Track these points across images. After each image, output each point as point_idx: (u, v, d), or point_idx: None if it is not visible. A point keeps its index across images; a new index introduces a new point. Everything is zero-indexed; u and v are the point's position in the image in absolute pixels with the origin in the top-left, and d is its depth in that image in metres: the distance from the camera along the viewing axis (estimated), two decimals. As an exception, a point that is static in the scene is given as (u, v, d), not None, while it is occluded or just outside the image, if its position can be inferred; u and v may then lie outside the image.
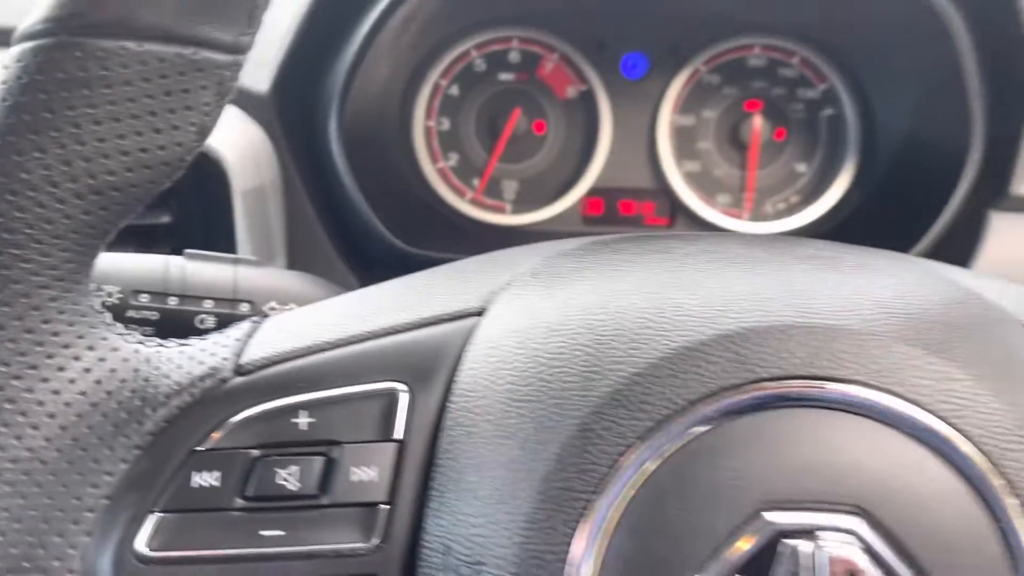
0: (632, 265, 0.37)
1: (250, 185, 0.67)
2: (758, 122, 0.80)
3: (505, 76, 0.81)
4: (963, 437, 0.30)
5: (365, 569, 0.33)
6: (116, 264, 0.47)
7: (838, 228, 0.77)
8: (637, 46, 0.80)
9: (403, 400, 0.34)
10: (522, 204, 0.82)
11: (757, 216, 0.80)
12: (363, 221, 0.70)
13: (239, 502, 0.33)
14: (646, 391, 0.31)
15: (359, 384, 0.35)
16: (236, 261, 0.49)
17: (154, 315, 0.46)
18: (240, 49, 0.33)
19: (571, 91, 0.82)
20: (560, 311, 0.35)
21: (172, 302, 0.47)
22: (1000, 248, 0.68)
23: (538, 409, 0.32)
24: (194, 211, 0.67)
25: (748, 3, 0.75)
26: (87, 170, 0.31)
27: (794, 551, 0.29)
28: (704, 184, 0.81)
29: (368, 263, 0.75)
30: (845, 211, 0.78)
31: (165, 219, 0.67)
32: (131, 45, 0.31)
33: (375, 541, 0.33)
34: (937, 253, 0.69)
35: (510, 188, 0.82)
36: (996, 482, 0.30)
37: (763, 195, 0.81)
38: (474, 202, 0.82)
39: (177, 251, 0.51)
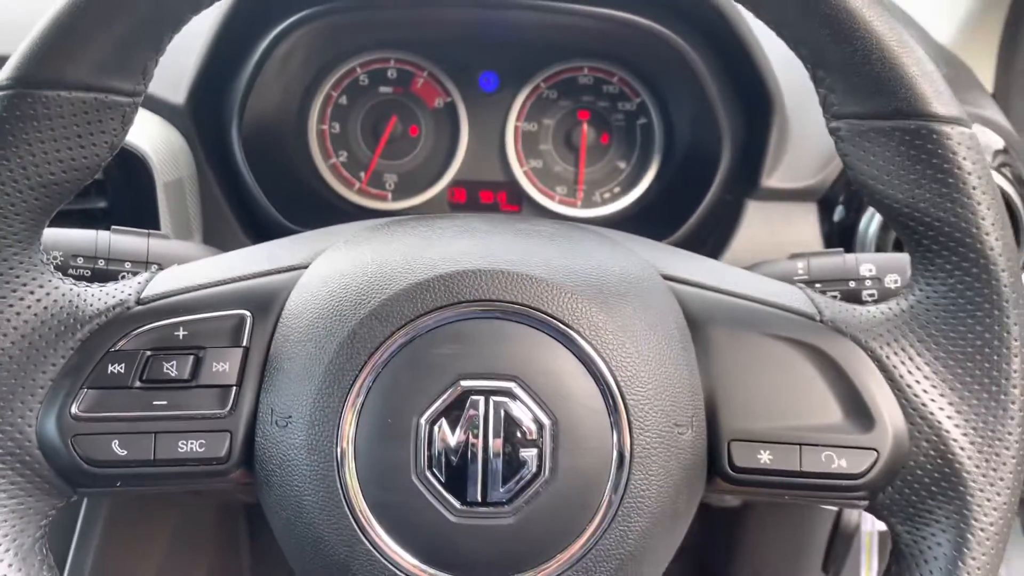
0: (404, 235, 0.54)
1: (170, 178, 0.80)
2: (587, 128, 0.94)
3: (385, 89, 0.93)
4: (579, 334, 0.47)
5: (222, 427, 0.49)
6: (60, 236, 0.62)
7: (643, 212, 0.93)
8: (490, 66, 0.93)
9: (248, 321, 0.51)
10: (400, 193, 0.95)
11: (587, 204, 0.95)
12: (261, 208, 0.84)
13: (138, 383, 0.49)
14: (391, 310, 0.48)
15: (219, 311, 0.51)
16: (149, 235, 0.65)
17: (88, 272, 0.62)
18: (137, 93, 0.48)
19: (438, 102, 0.94)
20: (349, 263, 0.51)
21: (101, 264, 0.62)
22: (754, 226, 0.85)
23: (327, 322, 0.49)
24: (126, 198, 0.80)
25: (576, 35, 0.89)
26: (36, 172, 0.46)
27: (474, 402, 0.46)
28: (545, 178, 0.95)
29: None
30: (649, 199, 0.93)
31: (102, 204, 0.81)
32: (63, 93, 0.45)
33: (228, 409, 0.49)
34: (706, 231, 0.86)
35: (390, 180, 0.95)
36: (599, 360, 0.47)
37: (592, 187, 0.95)
38: (361, 192, 0.95)
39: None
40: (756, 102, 0.84)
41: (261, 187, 0.84)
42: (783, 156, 0.85)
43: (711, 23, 0.83)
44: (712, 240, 0.87)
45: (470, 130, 0.95)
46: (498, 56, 0.93)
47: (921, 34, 0.98)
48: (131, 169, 0.78)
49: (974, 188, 0.47)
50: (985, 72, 0.99)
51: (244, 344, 0.50)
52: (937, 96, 0.47)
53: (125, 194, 0.81)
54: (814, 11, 0.46)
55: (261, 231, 0.88)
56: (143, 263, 0.64)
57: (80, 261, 0.62)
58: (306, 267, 0.53)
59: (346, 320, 0.48)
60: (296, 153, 0.93)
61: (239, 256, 0.56)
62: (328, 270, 0.52)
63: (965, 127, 0.48)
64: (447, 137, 0.95)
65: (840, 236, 0.84)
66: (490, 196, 0.96)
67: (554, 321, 0.48)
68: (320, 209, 0.93)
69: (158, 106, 0.83)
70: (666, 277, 0.54)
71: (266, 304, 0.51)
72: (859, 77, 0.47)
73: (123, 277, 0.62)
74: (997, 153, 0.83)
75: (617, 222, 0.93)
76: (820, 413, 0.50)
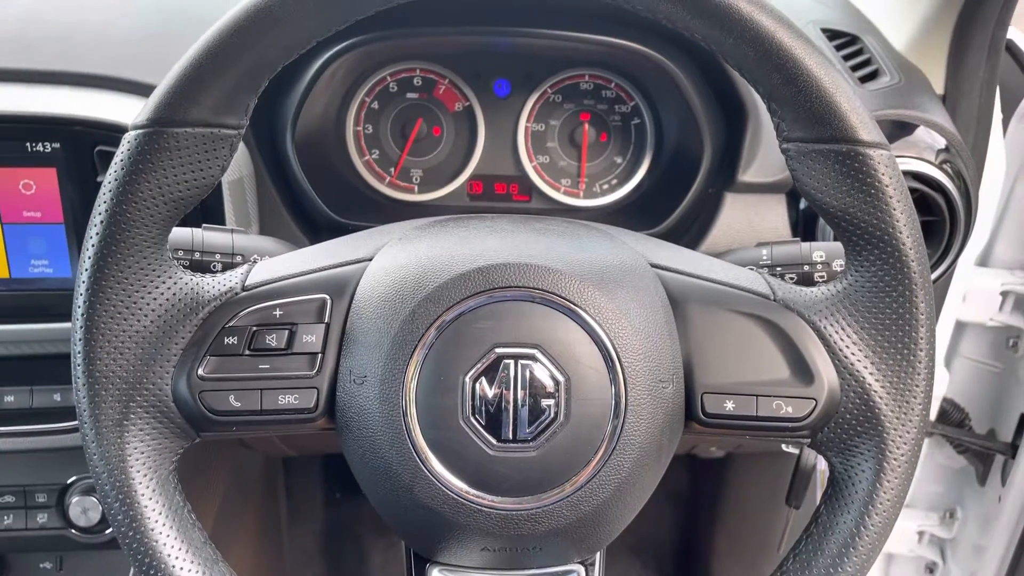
0: (447, 234, 0.66)
1: (233, 177, 0.90)
2: (588, 128, 1.03)
3: (411, 95, 1.03)
4: (586, 312, 0.60)
5: (310, 384, 0.61)
6: (163, 234, 0.76)
7: (637, 201, 1.04)
8: (503, 75, 1.02)
9: (328, 303, 0.63)
10: (425, 186, 1.04)
11: (589, 194, 1.05)
12: (311, 201, 0.96)
13: (247, 352, 0.61)
14: (441, 294, 0.60)
15: (306, 295, 0.63)
16: (232, 231, 0.78)
17: (187, 263, 0.75)
18: (241, 127, 0.59)
19: (458, 106, 1.03)
20: (406, 257, 0.64)
21: (196, 255, 0.75)
22: (731, 215, 0.97)
23: (392, 304, 0.61)
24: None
25: (577, 51, 1.00)
26: (168, 191, 0.58)
27: (506, 364, 0.59)
28: (551, 172, 1.05)
29: (315, 229, 0.98)
30: (643, 190, 1.04)
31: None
32: (188, 130, 0.56)
33: (315, 371, 0.62)
34: (691, 218, 0.98)
35: (416, 174, 1.04)
36: (601, 332, 0.60)
37: (593, 179, 1.05)
38: (391, 185, 1.04)
39: (186, 223, 0.76)
40: (733, 110, 0.96)
41: (311, 183, 0.97)
42: (756, 155, 0.97)
43: (694, 47, 0.95)
44: (696, 226, 1.00)
45: (486, 130, 1.04)
46: (510, 66, 1.03)
47: (880, 40, 1.11)
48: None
49: (891, 197, 0.60)
50: (937, 74, 1.12)
51: (326, 321, 0.62)
52: (863, 126, 0.59)
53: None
54: (767, 61, 0.58)
55: (308, 220, 1.00)
56: (229, 254, 0.76)
57: (180, 254, 0.75)
58: (370, 259, 0.65)
59: (407, 302, 0.61)
60: (335, 151, 1.04)
61: (315, 252, 0.69)
62: (389, 263, 0.65)
63: (885, 150, 0.60)
64: (466, 136, 1.05)
65: (804, 223, 0.97)
66: (503, 188, 1.06)
67: (566, 302, 0.60)
68: (356, 200, 1.04)
69: None
70: (653, 265, 0.66)
71: (341, 289, 0.64)
72: (803, 111, 0.59)
73: (215, 267, 0.76)
74: (939, 152, 0.96)
75: (615, 210, 1.05)
76: (772, 371, 0.62)
